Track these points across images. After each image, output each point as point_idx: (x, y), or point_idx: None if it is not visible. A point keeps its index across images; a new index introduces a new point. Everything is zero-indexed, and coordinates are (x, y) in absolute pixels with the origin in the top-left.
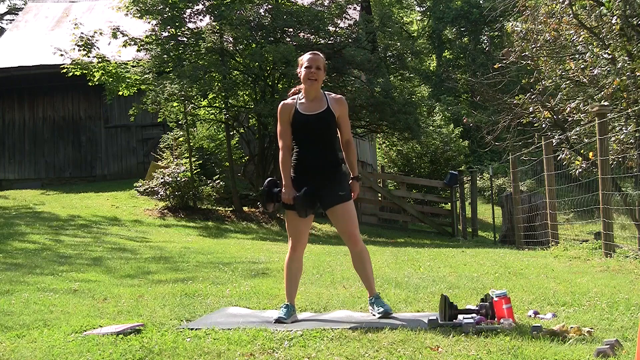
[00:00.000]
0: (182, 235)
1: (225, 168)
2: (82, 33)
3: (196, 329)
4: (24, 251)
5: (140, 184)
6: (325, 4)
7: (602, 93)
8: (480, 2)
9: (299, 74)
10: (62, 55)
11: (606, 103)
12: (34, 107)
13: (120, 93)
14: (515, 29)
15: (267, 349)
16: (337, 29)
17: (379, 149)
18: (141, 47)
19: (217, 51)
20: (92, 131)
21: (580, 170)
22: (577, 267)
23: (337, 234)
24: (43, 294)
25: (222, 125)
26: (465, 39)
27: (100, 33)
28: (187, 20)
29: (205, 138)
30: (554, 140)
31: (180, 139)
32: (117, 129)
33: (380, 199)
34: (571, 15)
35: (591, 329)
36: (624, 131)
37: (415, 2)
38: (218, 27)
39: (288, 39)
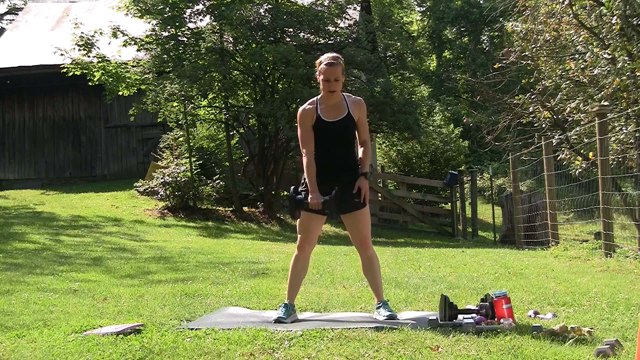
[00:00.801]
0: (182, 235)
1: (225, 168)
2: (82, 33)
3: (196, 329)
4: (24, 251)
5: (140, 184)
6: (325, 4)
7: (602, 93)
8: (480, 2)
9: (317, 78)
10: (62, 55)
11: (606, 103)
12: (34, 107)
13: (120, 93)
14: (515, 29)
15: (267, 349)
16: (337, 29)
17: (379, 149)
18: (141, 47)
19: (217, 51)
20: (92, 131)
21: (580, 170)
22: (577, 267)
23: (337, 234)
24: (43, 294)
25: (222, 125)
26: (465, 39)
27: (101, 33)
28: (187, 20)
29: (205, 138)
30: (554, 140)
31: (180, 139)
32: (117, 129)
33: (380, 199)
34: (571, 15)
35: (591, 329)
36: (624, 131)
37: (415, 2)
38: (218, 27)
39: (288, 39)
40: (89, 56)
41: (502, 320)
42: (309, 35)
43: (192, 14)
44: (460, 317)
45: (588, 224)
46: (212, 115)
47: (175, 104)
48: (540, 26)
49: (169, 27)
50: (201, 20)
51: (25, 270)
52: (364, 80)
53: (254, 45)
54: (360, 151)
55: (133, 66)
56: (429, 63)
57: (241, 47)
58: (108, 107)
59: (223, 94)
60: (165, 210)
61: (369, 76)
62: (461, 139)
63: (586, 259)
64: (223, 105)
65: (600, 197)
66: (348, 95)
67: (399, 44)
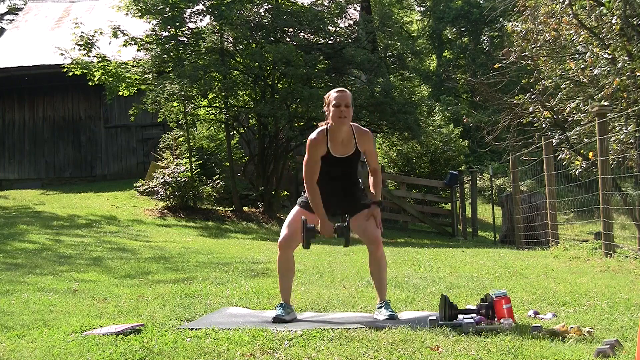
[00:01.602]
0: (182, 235)
1: (225, 168)
2: (82, 32)
3: (196, 329)
4: (24, 251)
5: (140, 184)
6: (325, 4)
7: (602, 93)
8: (480, 2)
9: (327, 112)
10: (62, 54)
11: (606, 103)
12: (34, 107)
13: (120, 93)
14: (515, 29)
15: (267, 349)
16: (337, 29)
17: (379, 149)
18: (141, 47)
19: (217, 51)
20: (92, 131)
21: (580, 170)
22: (577, 267)
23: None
24: (43, 294)
25: (222, 125)
26: (465, 39)
27: (101, 33)
28: (187, 20)
29: (205, 138)
30: (554, 140)
31: (180, 139)
32: (117, 129)
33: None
34: (571, 15)
35: (591, 329)
36: (624, 131)
37: (415, 2)
38: (218, 27)
39: (288, 39)
40: (89, 56)
41: (502, 320)
42: (309, 35)
43: (192, 14)
44: (460, 317)
45: (588, 224)
46: (212, 115)
47: (175, 104)
48: (540, 26)
49: (169, 27)
50: (201, 20)
51: (25, 270)
52: (364, 80)
53: (254, 45)
54: (370, 180)
55: (133, 66)
56: (429, 63)
57: (241, 47)
58: (108, 107)
59: (223, 94)
60: (165, 210)
61: (369, 76)
62: (461, 139)
63: (586, 259)
64: (223, 105)
65: (600, 197)
66: (356, 126)
67: (399, 44)
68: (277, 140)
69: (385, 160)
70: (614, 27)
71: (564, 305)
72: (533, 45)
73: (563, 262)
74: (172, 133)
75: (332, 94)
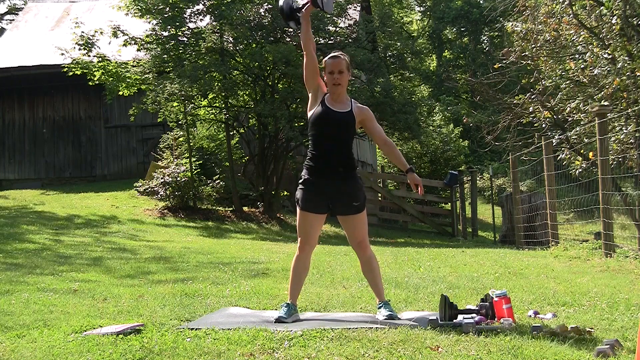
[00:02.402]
0: (182, 235)
1: (225, 168)
2: (82, 32)
3: (196, 329)
4: (24, 251)
5: (140, 184)
6: None
7: (602, 93)
8: (480, 2)
9: (325, 78)
10: (62, 54)
11: (606, 103)
12: (34, 107)
13: (121, 93)
14: (515, 29)
15: (267, 349)
16: (337, 29)
17: (379, 148)
18: (141, 47)
19: (217, 51)
20: (92, 131)
21: (580, 170)
22: (577, 267)
23: (338, 234)
24: (43, 294)
25: (222, 125)
26: (465, 39)
27: (101, 32)
28: (188, 20)
29: (205, 138)
30: (554, 140)
31: (180, 139)
32: (117, 129)
33: (380, 199)
34: (571, 15)
35: (591, 329)
36: (624, 131)
37: (415, 2)
38: (218, 27)
39: (288, 39)
40: (89, 56)
41: (502, 320)
42: None
43: (192, 14)
44: (460, 317)
45: (588, 224)
46: (212, 115)
47: (175, 104)
48: (540, 26)
49: (169, 27)
50: (201, 20)
51: (25, 270)
52: (364, 80)
53: (254, 45)
54: (389, 153)
55: (133, 66)
56: (429, 63)
57: (241, 47)
58: (108, 107)
59: (223, 94)
60: (165, 210)
61: (369, 76)
62: (461, 139)
63: (586, 259)
64: (223, 105)
65: (600, 197)
66: (355, 101)
67: (399, 44)
68: (277, 140)
69: (386, 160)
70: (614, 27)
71: (564, 305)
72: (533, 45)
73: (563, 262)
74: (172, 133)
75: (326, 60)
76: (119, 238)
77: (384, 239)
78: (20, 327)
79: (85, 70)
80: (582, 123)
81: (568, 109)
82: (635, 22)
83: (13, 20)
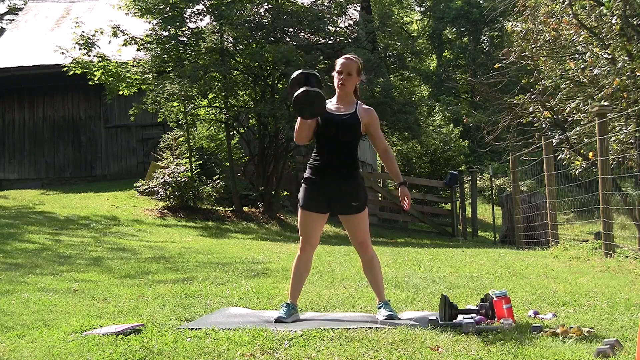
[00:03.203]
0: (182, 235)
1: (225, 168)
2: (82, 32)
3: (196, 329)
4: (24, 251)
5: (140, 184)
6: (325, 4)
7: (602, 93)
8: (480, 2)
9: (334, 78)
10: (63, 53)
11: (606, 103)
12: (34, 107)
13: (121, 93)
14: (515, 29)
15: (267, 349)
16: (337, 29)
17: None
18: (141, 47)
19: (217, 51)
20: (92, 131)
21: (580, 170)
22: (577, 267)
23: (338, 234)
24: (43, 294)
25: (222, 125)
26: (465, 39)
27: (101, 32)
28: (188, 20)
29: (205, 138)
30: (554, 140)
31: (180, 139)
32: (117, 129)
33: (380, 199)
34: (571, 15)
35: (591, 329)
36: (624, 131)
37: (415, 2)
38: (218, 27)
39: (288, 39)
40: (89, 55)
41: (502, 320)
42: (309, 35)
43: (192, 14)
44: (460, 317)
45: (588, 224)
46: (212, 115)
47: (175, 104)
48: (540, 26)
49: (169, 26)
50: (201, 20)
51: (25, 270)
52: (364, 80)
53: (254, 45)
54: (385, 162)
55: (133, 66)
56: (429, 63)
57: (241, 47)
58: (108, 107)
59: (223, 94)
60: (165, 210)
61: (369, 76)
62: (461, 139)
63: (586, 259)
64: (223, 105)
65: (600, 197)
66: (361, 103)
67: (399, 44)
68: (277, 140)
69: None
70: (614, 27)
71: (564, 305)
72: (533, 45)
73: (563, 262)
74: (172, 133)
75: (339, 60)
76: (119, 238)
77: (384, 239)
78: (20, 327)
79: (85, 70)
80: (582, 123)
81: (568, 109)
82: (635, 22)
83: (13, 20)
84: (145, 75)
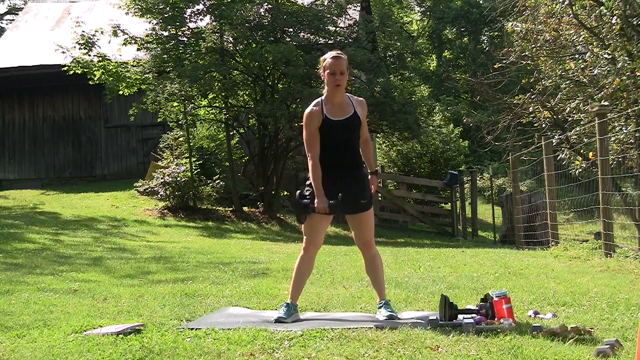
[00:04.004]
0: (182, 235)
1: (225, 168)
2: (83, 31)
3: (196, 329)
4: (24, 251)
5: (140, 184)
6: (325, 4)
7: (602, 93)
8: (480, 2)
9: (322, 76)
10: (63, 52)
11: (606, 103)
12: (34, 107)
13: (121, 92)
14: (515, 29)
15: (267, 349)
16: (337, 29)
17: (379, 149)
18: (141, 47)
19: (217, 51)
20: (92, 131)
21: (580, 170)
22: (577, 267)
23: (338, 234)
24: (43, 294)
25: (222, 125)
26: (465, 39)
27: (102, 32)
28: (188, 19)
29: (205, 138)
30: (554, 140)
31: (180, 139)
32: (117, 129)
33: (380, 199)
34: (571, 15)
35: (591, 329)
36: (624, 131)
37: (415, 2)
38: (218, 27)
39: (288, 39)
40: (89, 55)
41: (502, 320)
42: (309, 35)
43: (192, 14)
44: (460, 317)
45: (588, 224)
46: (212, 115)
47: (175, 104)
48: (540, 26)
49: (169, 26)
50: (201, 20)
51: (25, 270)
52: (364, 80)
53: (254, 45)
54: (363, 151)
55: (133, 66)
56: (429, 63)
57: (241, 47)
58: (108, 107)
59: (223, 94)
60: (165, 210)
61: (369, 76)
62: (461, 139)
63: (586, 259)
64: (223, 105)
65: (600, 197)
66: (351, 95)
67: (399, 43)
68: (277, 140)
69: (385, 160)
70: (614, 27)
71: (564, 305)
72: (533, 45)
73: (563, 262)
74: (172, 133)
75: (328, 59)
76: (119, 238)
77: (384, 239)
78: (20, 327)
79: (85, 70)
80: (582, 123)
81: (568, 109)
82: (635, 22)
83: (13, 20)
84: (145, 75)
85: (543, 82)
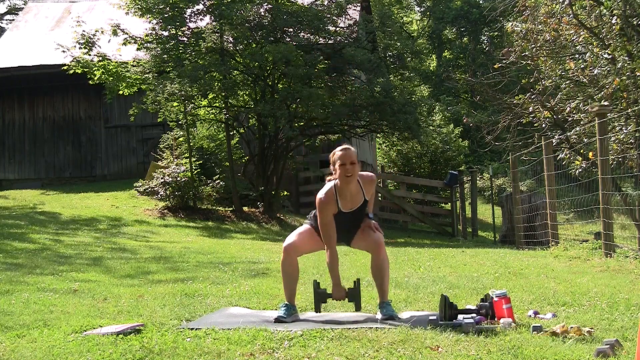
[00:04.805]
0: (182, 235)
1: (225, 168)
2: (83, 31)
3: (196, 329)
4: (24, 251)
5: (140, 184)
6: (325, 4)
7: (602, 93)
8: (480, 2)
9: (333, 170)
10: (64, 51)
11: (606, 103)
12: (34, 107)
13: (121, 92)
14: (515, 29)
15: (267, 349)
16: (337, 29)
17: (379, 149)
18: (141, 46)
19: (217, 51)
20: (92, 131)
21: (580, 170)
22: (577, 267)
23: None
24: (43, 294)
25: (222, 125)
26: (465, 39)
27: (102, 32)
28: (188, 19)
29: (205, 138)
30: (554, 140)
31: (180, 139)
32: (117, 129)
33: (380, 199)
34: (571, 15)
35: (591, 329)
36: (624, 131)
37: (415, 2)
38: (218, 27)
39: (288, 39)
40: (89, 54)
41: (502, 320)
42: (309, 35)
43: (192, 14)
44: (460, 317)
45: (588, 224)
46: (212, 115)
47: (175, 103)
48: (540, 26)
49: (169, 26)
50: (201, 20)
51: (25, 270)
52: (364, 80)
53: (254, 45)
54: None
55: (133, 66)
56: (429, 63)
57: (241, 47)
58: (108, 107)
59: (223, 94)
60: (165, 210)
61: (369, 76)
62: (461, 139)
63: (586, 259)
64: (223, 105)
65: (600, 197)
66: (360, 175)
67: (399, 43)
68: (277, 140)
69: (385, 160)
70: (614, 27)
71: (564, 305)
72: (533, 45)
73: (563, 262)
74: (172, 133)
75: (337, 152)
76: (119, 238)
77: (384, 239)
78: (20, 327)
79: (85, 70)
80: (582, 123)
81: (568, 109)
82: (635, 22)
83: (13, 20)
84: (145, 75)
85: (543, 82)
